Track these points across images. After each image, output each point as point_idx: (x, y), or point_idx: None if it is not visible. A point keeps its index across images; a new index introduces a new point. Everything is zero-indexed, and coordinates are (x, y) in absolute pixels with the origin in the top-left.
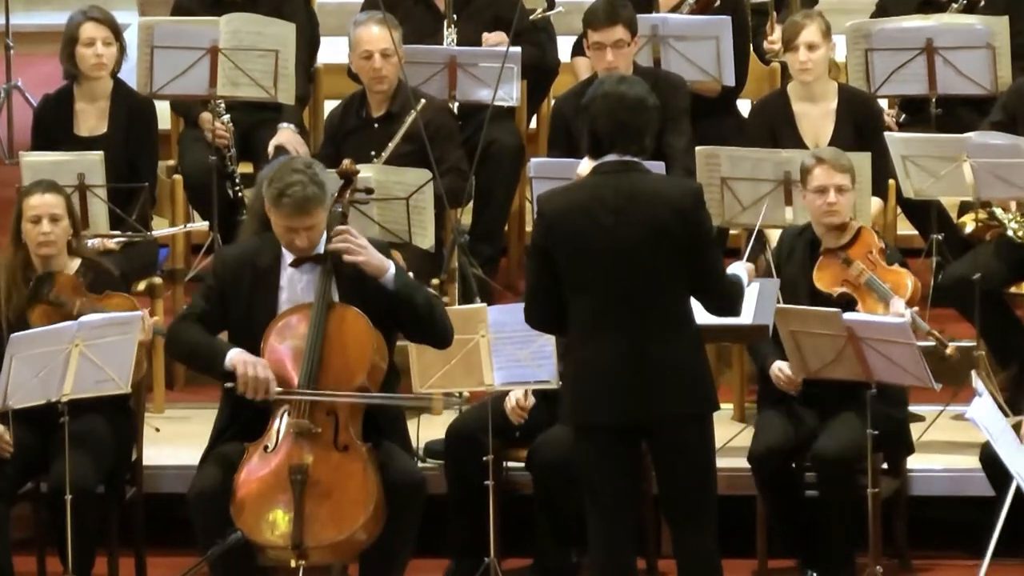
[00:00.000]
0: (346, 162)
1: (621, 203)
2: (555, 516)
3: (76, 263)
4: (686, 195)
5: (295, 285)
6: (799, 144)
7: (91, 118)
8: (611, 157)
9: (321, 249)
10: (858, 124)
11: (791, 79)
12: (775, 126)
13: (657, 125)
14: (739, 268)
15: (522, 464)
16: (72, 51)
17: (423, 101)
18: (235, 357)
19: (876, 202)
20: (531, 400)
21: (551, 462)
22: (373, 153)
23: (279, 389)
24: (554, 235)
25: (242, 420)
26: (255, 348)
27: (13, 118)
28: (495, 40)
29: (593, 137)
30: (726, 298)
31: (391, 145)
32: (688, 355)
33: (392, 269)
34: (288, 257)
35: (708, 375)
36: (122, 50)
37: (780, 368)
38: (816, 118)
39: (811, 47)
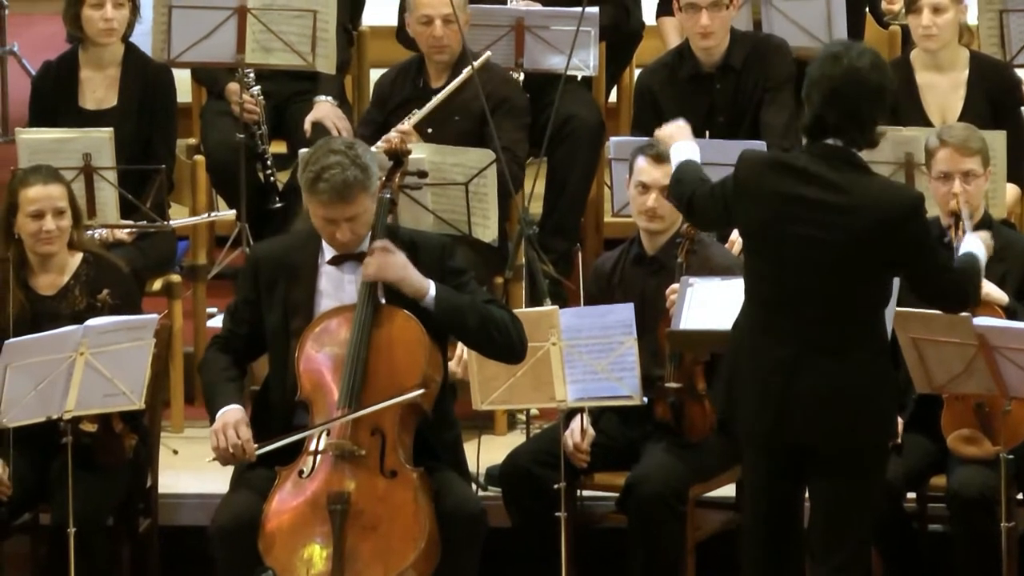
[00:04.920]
0: (395, 140)
1: (824, 197)
2: (652, 559)
3: (77, 258)
4: (899, 206)
5: (337, 286)
6: (923, 120)
7: (99, 89)
8: (830, 141)
9: (365, 246)
10: (992, 98)
11: (915, 45)
12: (896, 99)
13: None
14: (972, 243)
15: (596, 492)
16: (77, 12)
17: (486, 54)
18: (215, 424)
19: (1012, 190)
20: (591, 435)
21: (651, 499)
22: (431, 130)
23: (256, 446)
24: (741, 203)
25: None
26: (292, 361)
27: (8, 88)
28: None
29: (818, 120)
30: (951, 294)
31: (430, 105)
32: (861, 381)
33: (432, 291)
34: (328, 254)
35: (884, 409)
36: (135, 10)
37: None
38: (943, 90)
39: (937, 9)
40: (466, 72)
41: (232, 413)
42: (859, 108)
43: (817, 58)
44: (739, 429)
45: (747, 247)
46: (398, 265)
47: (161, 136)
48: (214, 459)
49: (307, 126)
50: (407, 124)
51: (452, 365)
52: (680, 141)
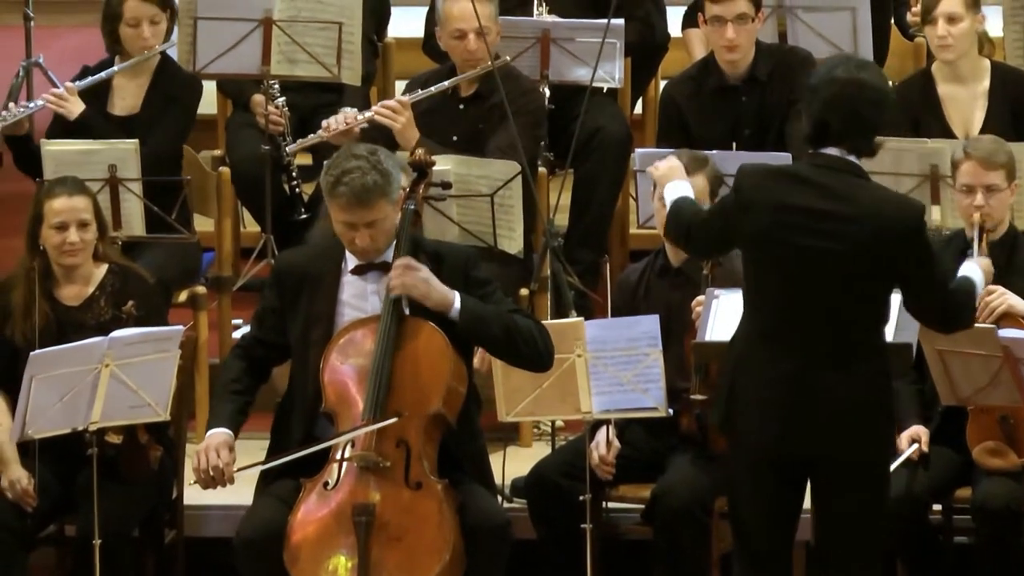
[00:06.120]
0: (419, 152)
1: (828, 208)
2: (677, 571)
3: (103, 269)
4: (904, 217)
5: (360, 296)
6: (946, 132)
7: (128, 96)
8: (832, 151)
9: (389, 256)
10: (1015, 108)
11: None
12: (917, 111)
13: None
14: (972, 269)
15: (621, 504)
16: (114, 28)
17: (506, 58)
18: (200, 445)
19: None
20: (616, 448)
21: (678, 511)
22: (455, 138)
23: (235, 469)
24: (744, 219)
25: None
26: (314, 372)
27: (34, 100)
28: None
29: (820, 127)
30: (949, 313)
31: (436, 87)
32: (866, 391)
33: (457, 303)
34: (351, 263)
35: (888, 417)
36: (173, 16)
37: (916, 435)
38: (965, 102)
39: (951, 19)
40: (483, 68)
41: (217, 436)
42: (861, 113)
43: (817, 68)
44: (738, 442)
45: (749, 259)
46: (420, 282)
47: (162, 132)
48: (195, 482)
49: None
50: (407, 97)
51: (476, 362)
52: (673, 181)
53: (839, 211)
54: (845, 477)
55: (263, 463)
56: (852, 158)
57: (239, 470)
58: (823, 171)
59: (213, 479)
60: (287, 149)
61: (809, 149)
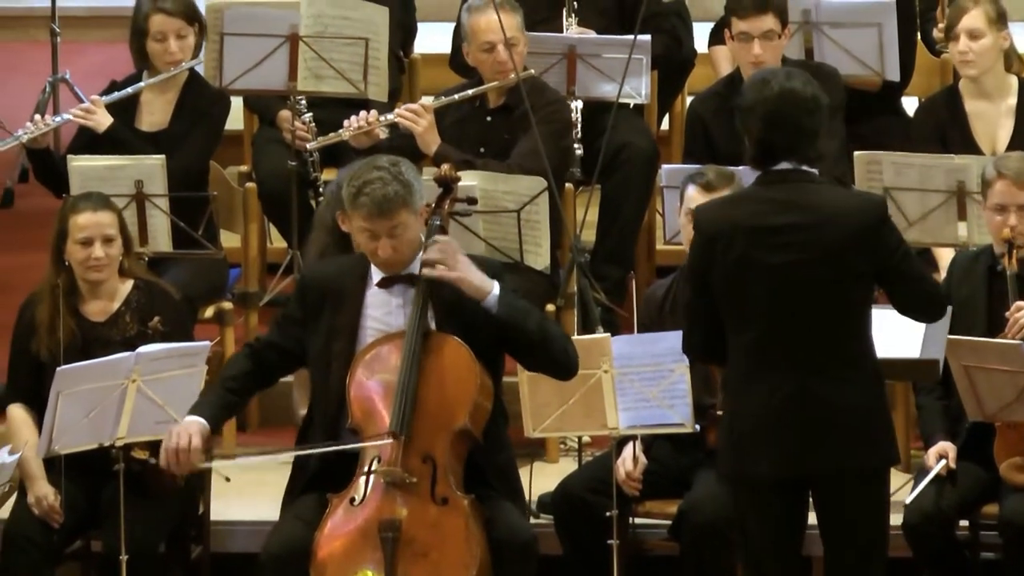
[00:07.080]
0: (445, 167)
1: (794, 220)
2: None
3: (128, 285)
4: (868, 211)
5: (385, 310)
6: (971, 148)
7: (156, 111)
8: (783, 165)
9: (415, 269)
10: None
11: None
12: (944, 127)
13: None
14: None
15: (647, 519)
16: (142, 44)
17: (531, 71)
18: (176, 424)
19: None
20: (642, 463)
21: (704, 526)
22: (483, 149)
23: (212, 461)
24: (713, 254)
25: (324, 467)
26: (336, 386)
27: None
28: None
29: (764, 145)
30: (933, 302)
31: (459, 95)
32: (864, 397)
33: (496, 290)
34: (376, 277)
35: (887, 421)
36: (202, 31)
37: (944, 451)
38: (991, 118)
39: (973, 35)
40: (510, 80)
41: (195, 423)
42: (801, 124)
43: (744, 89)
44: (742, 469)
45: (726, 292)
46: (460, 258)
47: (190, 149)
48: (151, 458)
49: None
50: (430, 102)
51: None
52: None
53: (804, 221)
54: (848, 486)
55: (239, 456)
56: (803, 167)
57: (215, 460)
58: (779, 187)
59: (177, 457)
60: (308, 146)
61: (757, 169)
